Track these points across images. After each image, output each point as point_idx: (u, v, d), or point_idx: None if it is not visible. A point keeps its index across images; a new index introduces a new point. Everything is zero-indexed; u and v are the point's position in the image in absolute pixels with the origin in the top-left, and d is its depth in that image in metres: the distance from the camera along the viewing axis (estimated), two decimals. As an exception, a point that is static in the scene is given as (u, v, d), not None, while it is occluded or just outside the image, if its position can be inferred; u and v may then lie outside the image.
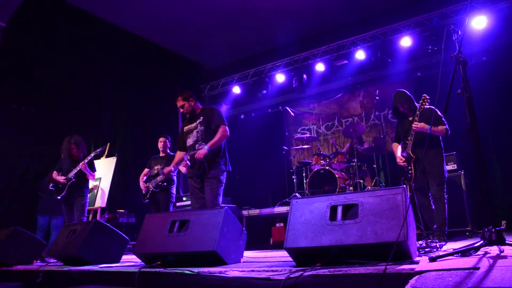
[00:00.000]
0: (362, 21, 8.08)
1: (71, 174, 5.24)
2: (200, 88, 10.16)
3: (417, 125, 4.05)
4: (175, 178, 5.63)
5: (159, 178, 5.35)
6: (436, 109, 4.03)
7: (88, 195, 5.59)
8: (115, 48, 8.07)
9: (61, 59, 7.16)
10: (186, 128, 4.37)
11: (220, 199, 4.11)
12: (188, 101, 4.29)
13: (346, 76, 8.54)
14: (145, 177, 5.66)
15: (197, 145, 4.17)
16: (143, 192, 5.55)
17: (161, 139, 5.79)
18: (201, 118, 4.25)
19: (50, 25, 7.01)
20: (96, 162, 6.16)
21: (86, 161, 5.27)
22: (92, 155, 5.42)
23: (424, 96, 4.07)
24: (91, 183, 6.39)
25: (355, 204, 2.42)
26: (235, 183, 9.08)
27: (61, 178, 5.26)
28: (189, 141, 4.27)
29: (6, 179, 6.43)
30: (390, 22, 7.65)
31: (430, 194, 4.18)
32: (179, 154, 4.46)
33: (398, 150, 4.37)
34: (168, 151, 5.81)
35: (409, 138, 4.14)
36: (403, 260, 2.11)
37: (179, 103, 4.31)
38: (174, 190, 5.60)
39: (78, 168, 5.24)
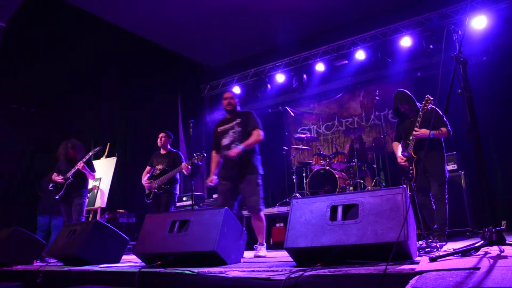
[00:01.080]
0: (362, 21, 8.07)
1: (69, 174, 5.26)
2: (200, 88, 10.16)
3: (418, 132, 4.04)
4: (178, 177, 5.57)
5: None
6: (437, 109, 4.01)
7: (88, 195, 5.58)
8: (115, 47, 8.07)
9: (61, 59, 7.16)
10: (220, 128, 4.39)
11: (262, 202, 4.13)
12: (236, 98, 4.41)
13: (346, 76, 8.54)
14: (148, 175, 5.60)
15: (233, 145, 4.17)
16: (146, 191, 5.51)
17: (161, 135, 5.63)
18: (239, 120, 4.29)
19: (50, 25, 7.01)
20: (95, 162, 6.16)
21: (84, 160, 5.28)
22: (90, 154, 5.42)
23: (428, 97, 4.04)
24: (91, 183, 6.38)
25: (355, 204, 2.41)
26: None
27: (59, 178, 5.29)
28: (225, 141, 4.27)
29: (6, 179, 6.42)
30: (390, 22, 7.65)
31: (431, 194, 4.18)
32: (215, 156, 4.44)
33: (399, 150, 4.37)
34: (169, 147, 5.70)
35: (410, 138, 4.14)
36: (403, 260, 2.11)
37: (229, 94, 4.42)
38: (177, 191, 5.54)
39: (76, 168, 5.25)
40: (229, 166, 4.15)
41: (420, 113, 4.06)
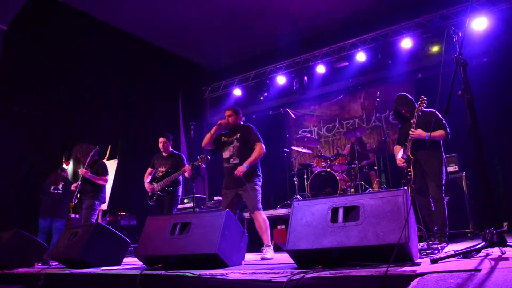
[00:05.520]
0: (363, 22, 8.07)
1: (78, 182, 5.40)
2: (202, 90, 10.16)
3: (414, 133, 4.07)
4: (180, 179, 5.56)
5: None
6: (437, 112, 4.03)
7: (103, 198, 5.58)
8: (117, 50, 8.08)
9: (61, 62, 7.17)
10: (224, 139, 4.62)
11: (260, 204, 4.33)
12: (236, 115, 4.62)
13: (347, 78, 8.55)
14: (149, 177, 5.58)
15: (231, 159, 4.44)
16: (149, 194, 5.48)
17: (161, 139, 5.60)
18: (238, 134, 4.54)
19: (51, 27, 7.02)
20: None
21: (85, 166, 5.35)
22: (88, 159, 5.42)
23: (422, 97, 4.10)
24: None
25: (356, 206, 2.41)
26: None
27: (73, 185, 5.50)
28: (225, 154, 4.53)
29: (7, 182, 6.43)
30: (391, 24, 7.65)
31: (430, 195, 4.19)
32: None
33: (400, 153, 4.40)
34: (171, 149, 5.68)
35: (408, 140, 4.17)
36: (404, 262, 2.10)
37: (227, 112, 4.65)
38: (180, 193, 5.55)
39: (82, 175, 5.36)
40: (233, 179, 4.34)
41: (416, 113, 4.11)
